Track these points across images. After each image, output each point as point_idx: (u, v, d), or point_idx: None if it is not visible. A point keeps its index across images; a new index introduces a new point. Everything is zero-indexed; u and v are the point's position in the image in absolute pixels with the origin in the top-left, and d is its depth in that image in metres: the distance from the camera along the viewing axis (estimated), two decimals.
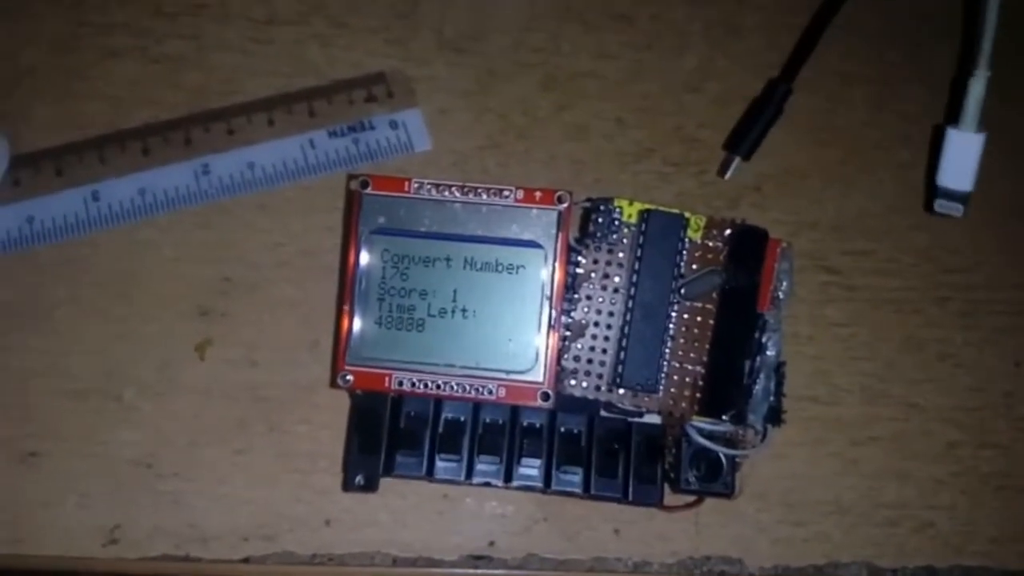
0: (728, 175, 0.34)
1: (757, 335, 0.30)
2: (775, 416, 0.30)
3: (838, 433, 0.33)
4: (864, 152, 0.35)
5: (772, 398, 0.30)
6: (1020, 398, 0.33)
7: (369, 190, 0.29)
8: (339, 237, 0.33)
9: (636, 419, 0.30)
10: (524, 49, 0.36)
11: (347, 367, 0.29)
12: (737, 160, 0.34)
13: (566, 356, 0.29)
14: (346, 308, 0.29)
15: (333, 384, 0.29)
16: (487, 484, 0.30)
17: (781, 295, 0.30)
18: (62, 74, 0.35)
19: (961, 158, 0.31)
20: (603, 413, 0.30)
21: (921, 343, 0.34)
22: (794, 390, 0.32)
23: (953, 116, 0.31)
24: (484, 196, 0.29)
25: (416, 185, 0.29)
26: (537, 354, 0.29)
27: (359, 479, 0.29)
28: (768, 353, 0.30)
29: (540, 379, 0.29)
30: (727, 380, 0.30)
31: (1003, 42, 0.31)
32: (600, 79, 0.36)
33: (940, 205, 0.32)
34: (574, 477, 0.30)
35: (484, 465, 0.30)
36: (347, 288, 0.29)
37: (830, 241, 0.34)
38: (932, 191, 0.32)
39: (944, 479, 0.32)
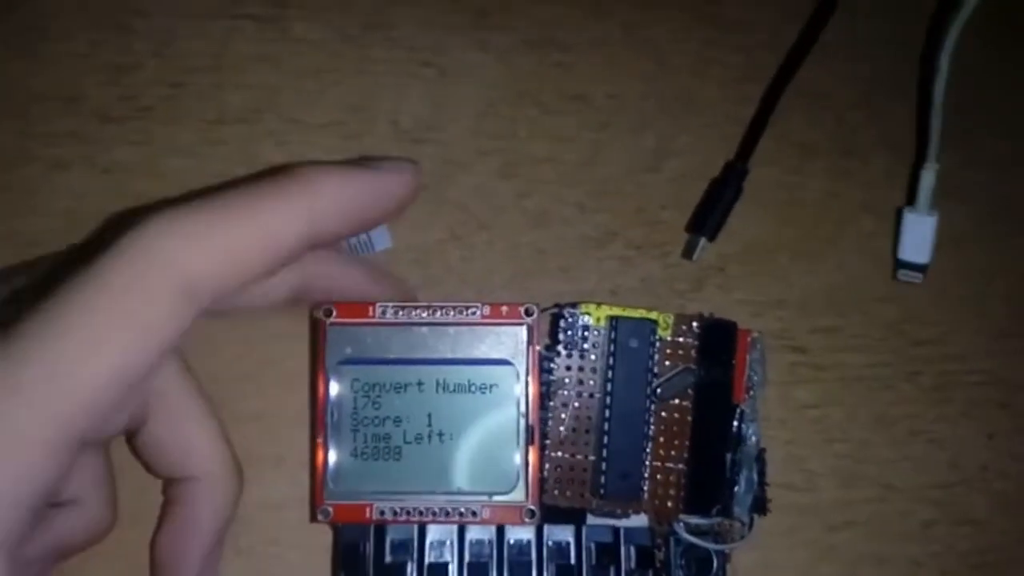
0: (695, 257, 0.32)
1: (735, 426, 0.29)
2: (760, 506, 0.29)
3: (814, 519, 0.31)
4: (828, 224, 0.34)
5: (756, 487, 0.29)
6: (995, 471, 0.32)
7: (333, 319, 0.27)
8: (300, 342, 0.31)
9: (624, 520, 0.29)
10: (481, 136, 0.34)
11: (326, 502, 0.27)
12: (703, 241, 0.32)
13: (547, 467, 0.28)
14: (320, 441, 0.27)
15: (313, 519, 0.27)
16: None
17: (755, 384, 0.29)
18: (9, 190, 0.32)
19: (918, 236, 0.32)
20: (590, 520, 0.29)
21: (894, 420, 0.32)
22: (768, 477, 0.30)
23: (910, 198, 0.32)
24: (451, 314, 0.28)
25: (380, 309, 0.27)
26: (518, 472, 0.27)
27: None
28: (748, 443, 0.29)
29: (523, 497, 0.27)
30: (710, 475, 0.28)
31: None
32: (559, 163, 0.34)
33: (902, 275, 0.33)
34: None
35: None
36: (319, 421, 0.27)
37: (797, 319, 0.33)
38: (895, 262, 0.33)
39: (922, 560, 0.31)
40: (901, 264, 0.32)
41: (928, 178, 0.31)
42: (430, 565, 0.28)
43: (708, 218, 0.33)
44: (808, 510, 0.31)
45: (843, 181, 0.34)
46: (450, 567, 0.28)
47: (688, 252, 0.33)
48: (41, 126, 0.33)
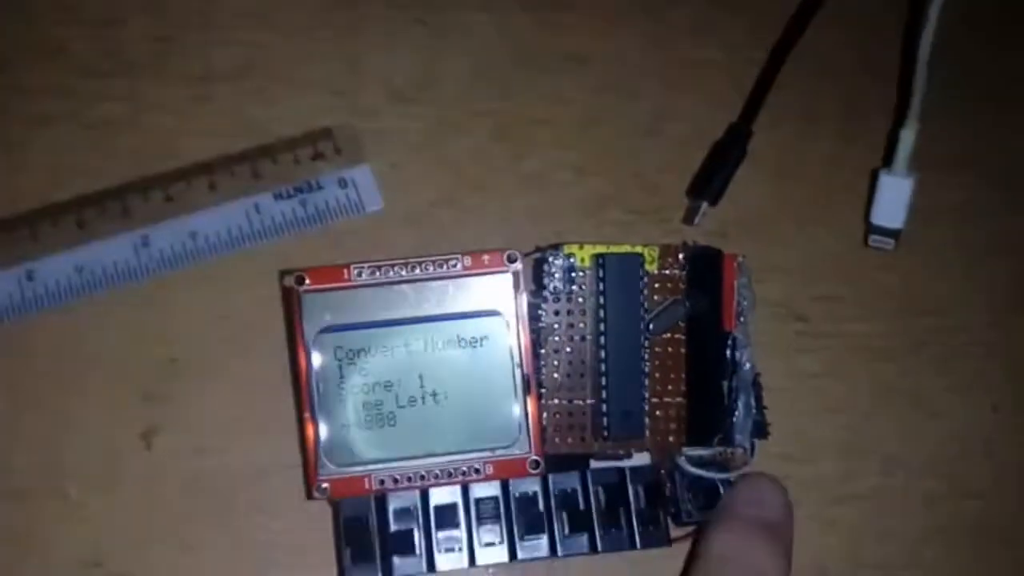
0: (696, 221, 0.31)
1: (729, 354, 0.28)
2: (761, 430, 0.28)
3: (815, 492, 0.30)
4: (831, 190, 0.32)
5: (755, 412, 0.28)
6: (999, 444, 0.31)
7: (307, 286, 0.26)
8: None
9: (627, 461, 0.28)
10: (476, 97, 0.32)
11: (321, 478, 0.25)
12: (704, 206, 0.31)
13: (545, 415, 0.27)
14: (307, 416, 0.26)
15: (310, 496, 0.26)
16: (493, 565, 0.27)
17: (744, 309, 0.28)
18: None
19: (893, 200, 0.30)
20: (593, 464, 0.28)
21: (897, 391, 0.31)
22: (768, 447, 0.29)
23: (887, 160, 0.31)
24: (431, 269, 0.26)
25: (356, 271, 0.26)
26: (519, 424, 0.26)
27: None
28: (743, 369, 0.28)
29: (527, 449, 0.26)
30: (709, 405, 0.28)
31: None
32: (555, 125, 0.32)
33: (874, 240, 0.31)
34: (580, 539, 0.27)
35: (486, 548, 0.27)
36: (304, 395, 0.26)
37: (800, 287, 0.32)
38: (867, 227, 0.31)
39: (926, 534, 0.30)
40: (873, 229, 0.31)
41: (908, 138, 0.30)
42: (437, 526, 0.26)
43: (710, 182, 0.31)
44: (809, 482, 0.30)
45: (847, 147, 0.33)
46: (459, 525, 0.26)
47: (689, 217, 0.31)
48: (25, 80, 0.32)
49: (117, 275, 0.30)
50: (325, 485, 0.25)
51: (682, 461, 0.27)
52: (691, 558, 0.27)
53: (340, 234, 0.31)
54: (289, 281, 0.26)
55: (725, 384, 0.28)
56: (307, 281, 0.26)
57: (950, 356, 0.31)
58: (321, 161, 0.31)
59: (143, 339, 0.29)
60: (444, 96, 0.32)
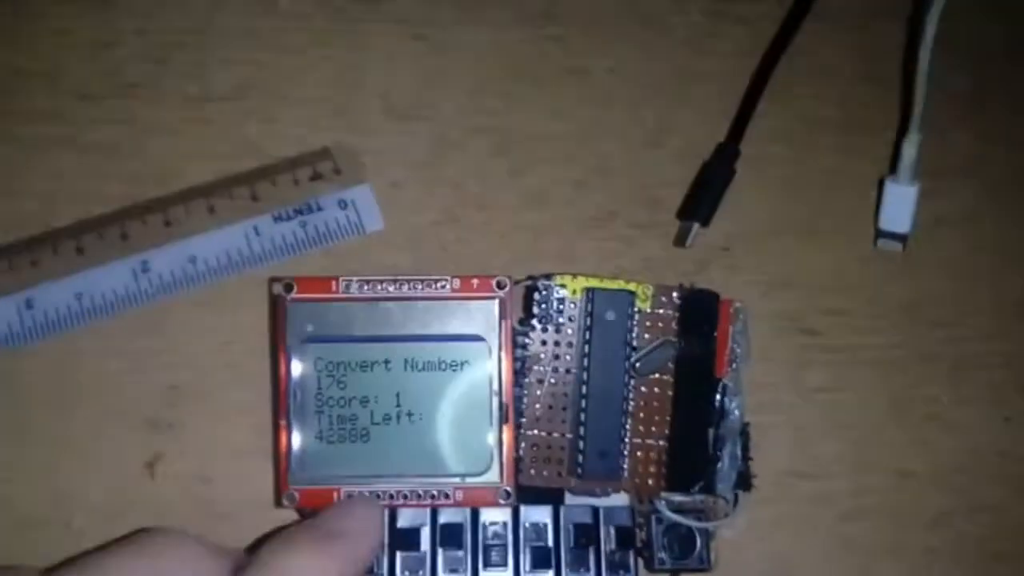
0: (688, 243, 0.30)
1: (718, 401, 0.27)
2: (745, 482, 0.27)
3: (825, 508, 0.29)
4: (836, 201, 0.32)
5: (740, 463, 0.27)
6: (1012, 456, 0.30)
7: (293, 295, 0.25)
8: None
9: (603, 499, 0.27)
10: (476, 112, 0.32)
11: (291, 487, 0.25)
12: (696, 227, 0.30)
13: (523, 445, 0.26)
14: (283, 423, 0.25)
15: (279, 504, 0.25)
16: None
17: (738, 357, 0.27)
18: None
19: (899, 206, 0.30)
20: (568, 500, 0.27)
21: (908, 404, 0.30)
22: (777, 464, 0.29)
23: (892, 167, 0.31)
24: (419, 288, 0.26)
25: (344, 284, 0.25)
26: (492, 453, 0.25)
27: None
28: (731, 418, 0.27)
29: (497, 478, 0.25)
30: (692, 451, 0.27)
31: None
32: (556, 140, 0.32)
33: (882, 243, 0.31)
34: None
35: (448, 575, 0.26)
36: (281, 402, 0.25)
37: (807, 300, 0.31)
38: (876, 232, 0.31)
39: (938, 549, 0.29)
40: (881, 234, 0.31)
41: (910, 149, 0.30)
42: (401, 545, 0.26)
43: (700, 203, 0.30)
44: (820, 499, 0.29)
45: (852, 157, 0.32)
46: (422, 549, 0.26)
47: (680, 239, 0.30)
48: (20, 104, 0.31)
49: (117, 301, 0.29)
50: (295, 494, 0.25)
51: (661, 505, 0.26)
52: None
53: (341, 255, 0.30)
54: (278, 288, 0.25)
55: (711, 431, 0.27)
56: (295, 289, 0.25)
57: (961, 367, 0.30)
58: (320, 182, 0.31)
59: (144, 366, 0.29)
60: (443, 113, 0.32)
